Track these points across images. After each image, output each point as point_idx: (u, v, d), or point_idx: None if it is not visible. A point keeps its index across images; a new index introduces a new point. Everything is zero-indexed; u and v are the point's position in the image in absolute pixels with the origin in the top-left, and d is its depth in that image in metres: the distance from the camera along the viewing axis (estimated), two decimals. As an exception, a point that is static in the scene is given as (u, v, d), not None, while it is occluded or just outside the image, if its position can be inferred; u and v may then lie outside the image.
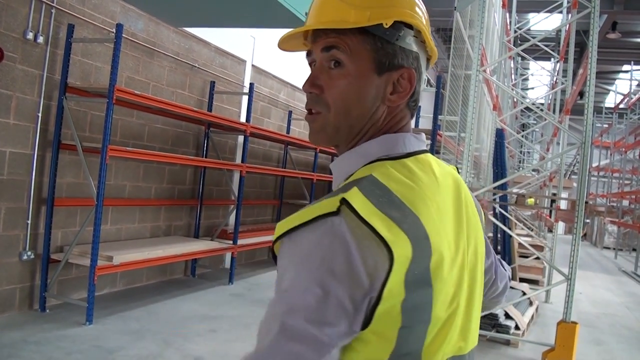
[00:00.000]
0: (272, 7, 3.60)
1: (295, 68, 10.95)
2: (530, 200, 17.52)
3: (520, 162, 24.34)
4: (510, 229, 8.13)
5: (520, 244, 9.07)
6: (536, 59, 18.84)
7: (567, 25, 11.12)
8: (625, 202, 23.05)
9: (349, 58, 1.07)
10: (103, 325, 5.59)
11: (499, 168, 7.66)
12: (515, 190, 11.46)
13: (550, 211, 13.07)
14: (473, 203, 1.18)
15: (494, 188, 7.34)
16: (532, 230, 13.38)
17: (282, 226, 0.93)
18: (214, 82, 8.39)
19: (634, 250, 18.07)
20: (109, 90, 5.47)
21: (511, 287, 8.14)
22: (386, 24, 1.05)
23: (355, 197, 0.92)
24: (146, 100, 6.09)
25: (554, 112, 12.95)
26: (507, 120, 12.87)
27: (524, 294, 7.59)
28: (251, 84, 8.49)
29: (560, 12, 13.84)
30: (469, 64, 6.43)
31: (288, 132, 10.94)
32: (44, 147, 5.75)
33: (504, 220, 7.78)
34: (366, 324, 0.90)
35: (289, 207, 11.53)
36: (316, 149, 10.92)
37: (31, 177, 5.64)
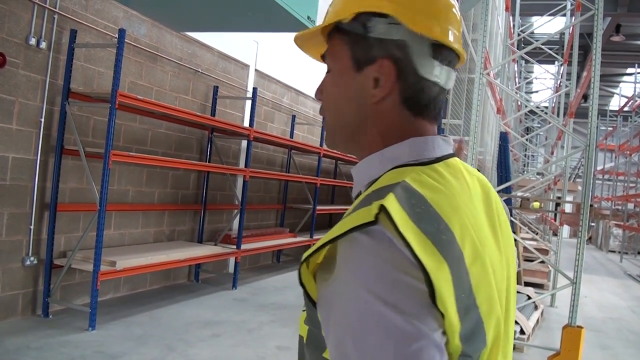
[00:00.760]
0: (275, 12, 3.58)
1: (298, 73, 10.95)
2: (536, 204, 17.48)
3: (524, 165, 24.28)
4: (514, 232, 8.09)
5: (525, 248, 9.03)
6: (540, 62, 18.82)
7: (571, 28, 11.10)
8: (631, 205, 22.99)
9: (333, 61, 1.07)
10: (106, 330, 5.57)
11: (503, 171, 7.64)
12: (519, 193, 11.42)
13: (555, 214, 13.03)
14: (504, 210, 1.11)
15: (498, 191, 7.30)
16: (537, 233, 13.33)
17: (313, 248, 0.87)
18: (217, 86, 8.39)
19: (639, 253, 17.98)
20: (111, 95, 5.47)
21: (517, 292, 8.09)
22: (345, 19, 1.01)
23: (393, 205, 0.84)
24: (149, 105, 6.09)
25: (558, 115, 12.92)
26: (511, 123, 12.85)
27: (529, 298, 7.55)
28: (254, 89, 8.49)
29: (564, 14, 13.82)
30: (473, 67, 6.41)
31: (291, 136, 10.93)
32: (47, 153, 5.74)
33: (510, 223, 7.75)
34: None
35: (292, 212, 11.51)
36: (320, 153, 10.89)
37: (34, 183, 5.63)
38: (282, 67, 10.40)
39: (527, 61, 17.84)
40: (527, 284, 9.64)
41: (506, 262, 1.02)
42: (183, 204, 8.05)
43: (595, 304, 10.13)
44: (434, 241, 0.83)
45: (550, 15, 13.64)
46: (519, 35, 13.12)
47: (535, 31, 16.98)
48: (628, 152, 21.86)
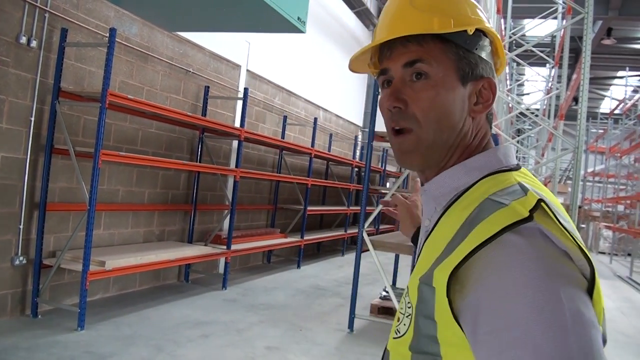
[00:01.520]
0: (266, 13, 3.59)
1: (290, 73, 10.95)
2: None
3: (515, 167, 24.36)
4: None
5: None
6: (531, 64, 18.89)
7: (562, 31, 11.16)
8: (621, 207, 23.15)
9: (435, 69, 1.03)
10: (95, 330, 5.56)
11: (493, 173, 7.68)
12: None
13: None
14: None
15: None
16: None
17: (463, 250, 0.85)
18: (209, 86, 8.38)
19: (629, 255, 18.08)
20: (102, 94, 5.46)
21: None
22: (470, 31, 1.03)
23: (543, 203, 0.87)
24: (140, 104, 6.08)
25: (549, 117, 12.98)
26: (502, 125, 12.89)
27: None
28: (246, 89, 8.49)
29: (555, 17, 13.88)
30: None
31: (283, 137, 10.93)
32: (37, 152, 5.73)
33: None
34: None
35: (283, 212, 11.52)
36: (311, 153, 10.90)
37: (24, 182, 5.61)
38: (274, 67, 10.41)
39: (518, 64, 17.91)
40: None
41: None
42: (173, 204, 8.04)
43: (585, 305, 10.17)
44: (576, 236, 0.86)
45: (541, 18, 13.70)
46: (510, 37, 13.18)
47: (526, 34, 17.05)
48: (618, 155, 21.98)
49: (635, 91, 23.16)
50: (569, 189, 21.34)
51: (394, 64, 1.06)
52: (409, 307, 0.96)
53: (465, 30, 1.03)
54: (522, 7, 13.68)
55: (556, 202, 0.95)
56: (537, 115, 15.44)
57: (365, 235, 6.63)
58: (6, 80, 5.33)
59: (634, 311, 10.11)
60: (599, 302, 0.83)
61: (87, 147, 5.92)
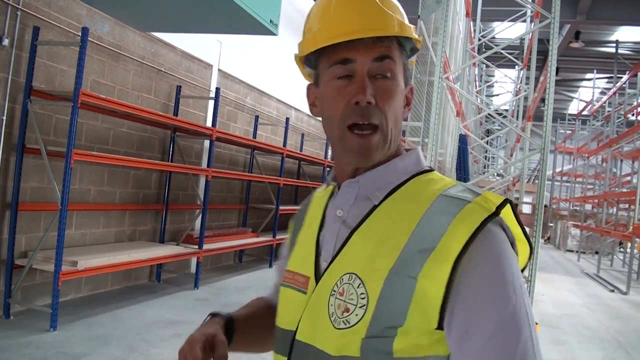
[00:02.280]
0: (239, 15, 3.63)
1: (262, 73, 10.98)
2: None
3: (485, 167, 24.67)
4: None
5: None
6: (501, 66, 19.15)
7: (530, 34, 11.36)
8: (588, 206, 23.58)
9: (397, 68, 1.08)
10: (68, 331, 5.55)
11: (463, 172, 7.79)
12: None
13: (514, 215, 13.28)
14: None
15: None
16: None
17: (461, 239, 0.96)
18: (180, 86, 8.39)
19: (597, 253, 18.44)
20: (74, 93, 5.44)
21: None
22: (418, 39, 1.12)
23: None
24: (111, 104, 6.07)
25: (517, 118, 13.19)
26: (471, 126, 13.07)
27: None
28: (217, 89, 8.50)
29: (524, 21, 14.10)
30: (433, 70, 6.55)
31: (254, 136, 10.96)
32: (8, 151, 5.69)
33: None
34: None
35: (255, 212, 11.54)
36: (283, 153, 10.94)
37: (-6, 182, 5.58)
38: (246, 67, 10.43)
39: (487, 65, 18.15)
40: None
41: None
42: (144, 204, 8.02)
43: (552, 301, 10.38)
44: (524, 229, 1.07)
45: (510, 21, 13.91)
46: (479, 40, 13.36)
47: (496, 36, 17.29)
48: (586, 155, 22.39)
49: (602, 93, 23.58)
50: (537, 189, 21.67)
51: (361, 56, 1.05)
52: (363, 298, 0.98)
53: (410, 39, 1.12)
54: (491, 10, 13.85)
55: None
56: (505, 117, 15.68)
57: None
58: (-24, 79, 5.29)
59: (600, 307, 10.34)
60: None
61: (59, 147, 5.90)
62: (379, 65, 1.05)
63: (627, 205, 18.43)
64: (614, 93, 18.10)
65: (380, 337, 0.95)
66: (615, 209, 18.04)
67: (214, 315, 1.18)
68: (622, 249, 20.47)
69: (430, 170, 1.14)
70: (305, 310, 1.08)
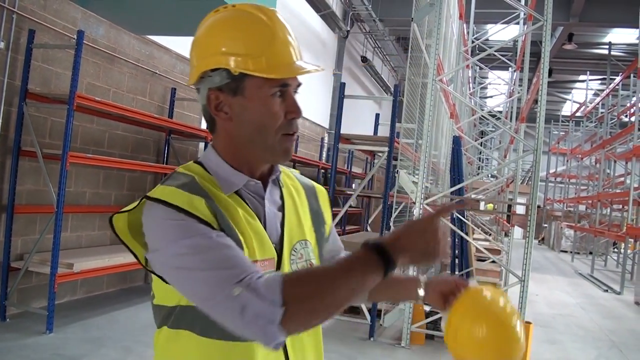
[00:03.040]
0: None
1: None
2: (490, 206, 17.81)
3: (479, 168, 24.72)
4: (467, 234, 8.30)
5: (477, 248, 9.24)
6: (495, 68, 19.19)
7: (523, 36, 11.41)
8: (582, 207, 23.64)
9: None
10: (64, 333, 5.56)
11: (456, 174, 7.83)
12: (473, 195, 11.67)
13: (508, 216, 13.35)
14: None
15: (451, 193, 7.51)
16: (490, 235, 13.64)
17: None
18: (175, 88, 8.40)
19: (590, 253, 18.52)
20: (69, 96, 5.45)
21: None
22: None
23: None
24: (107, 106, 6.09)
25: (511, 120, 13.24)
26: (465, 127, 13.12)
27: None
28: (212, 91, 8.49)
29: (517, 23, 14.15)
30: (427, 72, 6.59)
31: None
32: (4, 154, 5.71)
33: (462, 225, 7.95)
34: None
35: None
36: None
37: (-10, 184, 5.59)
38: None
39: (481, 67, 18.20)
40: (479, 283, 9.85)
41: None
42: (141, 206, 8.00)
43: (546, 301, 10.44)
44: None
45: (504, 23, 13.94)
46: (473, 42, 13.40)
47: (489, 39, 17.34)
48: (579, 156, 22.47)
49: (596, 95, 23.68)
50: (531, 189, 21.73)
51: (294, 82, 1.38)
52: (312, 251, 1.46)
53: None
54: (484, 12, 13.90)
55: None
56: (499, 118, 15.73)
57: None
58: (-28, 82, 5.30)
59: (594, 307, 10.40)
60: None
61: (54, 149, 5.91)
62: (297, 89, 1.40)
63: (620, 206, 18.51)
64: (607, 94, 18.18)
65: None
66: (608, 210, 18.11)
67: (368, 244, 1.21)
68: (615, 250, 20.56)
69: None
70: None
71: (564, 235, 23.22)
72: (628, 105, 18.47)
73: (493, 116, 16.98)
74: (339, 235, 1.86)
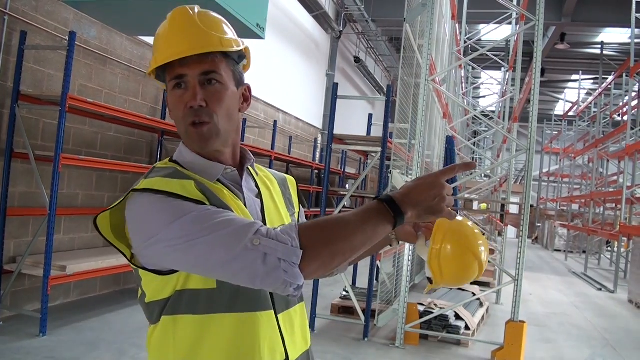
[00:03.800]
0: (226, 19, 3.66)
1: (249, 76, 10.94)
2: (483, 205, 17.86)
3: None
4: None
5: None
6: (487, 68, 19.25)
7: (516, 36, 11.44)
8: (575, 206, 23.72)
9: (223, 77, 1.38)
10: (57, 336, 5.54)
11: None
12: (466, 195, 11.69)
13: (501, 215, 13.38)
14: None
15: (445, 193, 7.50)
16: (483, 234, 13.66)
17: None
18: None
19: (584, 252, 18.57)
20: (61, 98, 5.44)
21: (462, 289, 8.36)
22: (237, 49, 1.41)
23: None
24: (99, 108, 6.07)
25: (504, 119, 13.27)
26: (458, 127, 13.15)
27: (474, 295, 7.79)
28: (205, 92, 8.49)
29: (509, 23, 14.19)
30: (419, 72, 6.60)
31: (242, 140, 10.95)
32: (-5, 156, 5.69)
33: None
34: None
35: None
36: (271, 156, 10.97)
37: (-18, 187, 5.56)
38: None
39: (473, 67, 18.24)
40: (473, 282, 9.88)
41: None
42: (134, 208, 7.99)
43: (540, 300, 10.47)
44: None
45: (496, 23, 13.98)
46: (465, 42, 13.43)
47: (482, 39, 17.38)
48: (572, 155, 22.54)
49: (588, 94, 23.77)
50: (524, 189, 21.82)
51: (192, 71, 1.35)
52: None
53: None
54: (476, 12, 13.93)
55: None
56: (492, 118, 15.77)
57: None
58: (-37, 84, 5.28)
59: (588, 305, 10.43)
60: None
61: (47, 151, 5.88)
62: (205, 77, 1.35)
63: (613, 205, 18.56)
64: (600, 94, 18.24)
65: None
66: (602, 209, 18.17)
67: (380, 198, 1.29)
68: (609, 248, 20.62)
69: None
70: None
71: (557, 235, 23.28)
72: (620, 104, 18.55)
73: (486, 116, 17.06)
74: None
